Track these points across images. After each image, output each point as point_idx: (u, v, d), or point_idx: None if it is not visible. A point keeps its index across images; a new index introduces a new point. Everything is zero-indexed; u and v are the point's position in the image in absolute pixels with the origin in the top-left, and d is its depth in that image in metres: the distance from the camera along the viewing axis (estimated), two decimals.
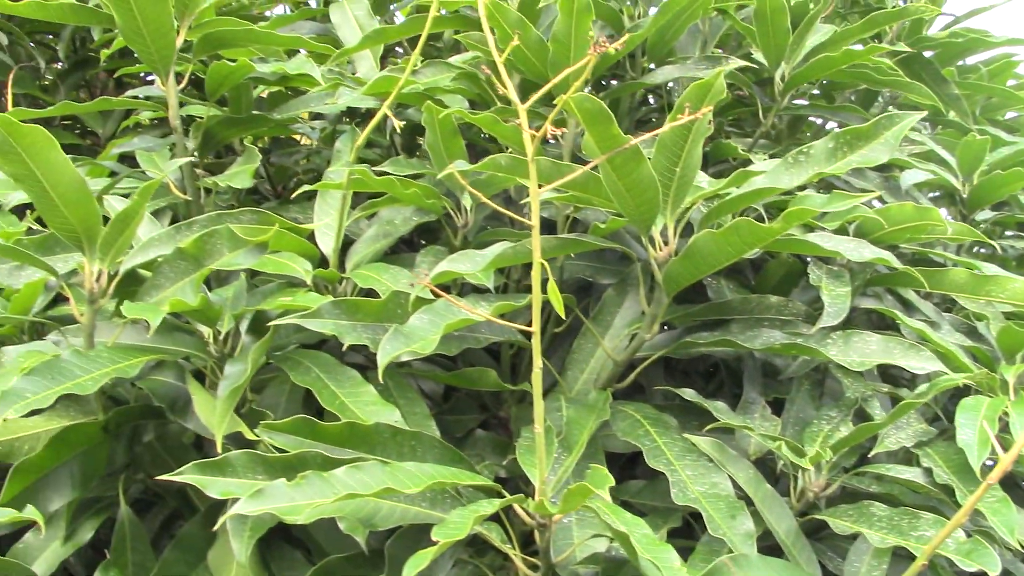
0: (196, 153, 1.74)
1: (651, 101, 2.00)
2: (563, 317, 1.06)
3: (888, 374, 1.59)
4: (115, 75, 2.43)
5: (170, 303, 1.20)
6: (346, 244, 1.53)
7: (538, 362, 1.03)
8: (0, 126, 1.12)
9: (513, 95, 0.98)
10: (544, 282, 1.02)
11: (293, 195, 1.56)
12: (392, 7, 2.25)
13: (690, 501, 1.20)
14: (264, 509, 1.00)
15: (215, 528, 1.11)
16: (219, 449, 1.16)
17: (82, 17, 1.64)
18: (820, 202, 1.20)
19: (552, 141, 1.05)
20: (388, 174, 1.45)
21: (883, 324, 1.61)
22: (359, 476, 1.03)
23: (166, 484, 1.51)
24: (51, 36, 2.59)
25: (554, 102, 1.02)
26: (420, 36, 1.67)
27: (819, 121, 2.03)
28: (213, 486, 1.08)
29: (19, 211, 1.86)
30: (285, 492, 1.00)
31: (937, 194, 1.98)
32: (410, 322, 1.18)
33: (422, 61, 1.74)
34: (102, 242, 1.28)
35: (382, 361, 1.14)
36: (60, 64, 2.59)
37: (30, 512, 1.10)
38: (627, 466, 1.55)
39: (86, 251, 1.29)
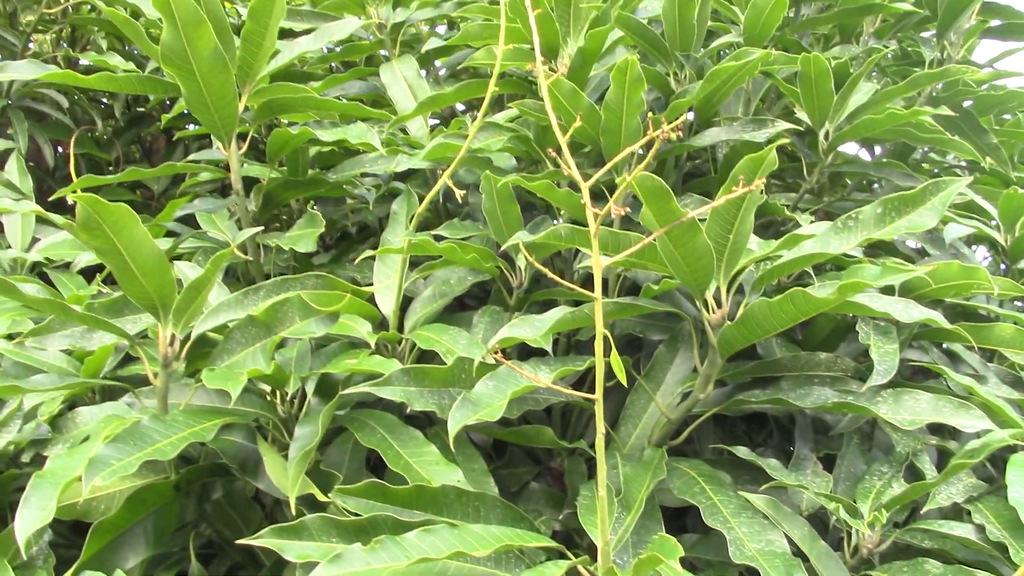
0: (255, 214, 1.81)
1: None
2: (624, 384, 1.10)
3: (935, 426, 1.61)
4: (174, 137, 2.50)
5: (248, 372, 1.25)
6: (403, 302, 1.58)
7: (601, 428, 1.08)
8: (88, 205, 1.18)
9: (576, 175, 1.03)
10: (607, 349, 1.06)
11: (356, 260, 1.61)
12: (436, 62, 2.32)
13: (747, 559, 1.23)
14: (342, 574, 1.04)
15: None
16: (293, 512, 1.21)
17: (149, 88, 1.71)
18: (874, 274, 1.24)
19: (613, 218, 1.10)
20: (444, 237, 1.51)
21: (927, 371, 1.64)
22: (430, 540, 1.08)
23: (229, 537, 1.57)
24: (107, 96, 2.68)
25: (617, 181, 1.07)
26: (470, 98, 1.75)
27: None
28: (290, 550, 1.13)
29: (86, 272, 1.94)
30: (361, 557, 1.05)
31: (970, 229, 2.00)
32: (476, 389, 1.23)
33: (471, 121, 1.81)
34: (176, 308, 1.34)
35: (453, 429, 1.19)
36: (115, 121, 2.68)
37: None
38: (675, 516, 1.59)
39: (160, 317, 1.35)
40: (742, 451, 1.39)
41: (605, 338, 1.06)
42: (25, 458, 1.52)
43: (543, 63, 1.10)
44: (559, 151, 1.05)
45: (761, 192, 1.19)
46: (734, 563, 1.30)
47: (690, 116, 1.73)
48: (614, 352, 1.07)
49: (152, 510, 1.38)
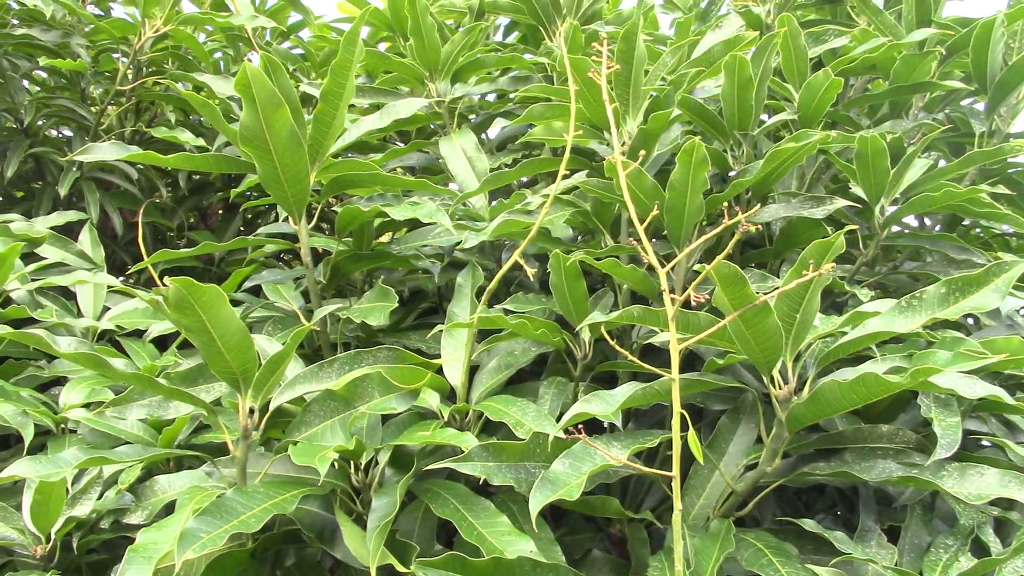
0: (323, 285, 1.87)
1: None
2: (701, 461, 1.13)
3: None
4: (242, 207, 2.58)
5: (335, 448, 1.30)
6: (469, 372, 1.63)
7: (678, 504, 1.11)
8: (182, 287, 1.24)
9: (655, 261, 1.08)
10: (683, 426, 1.10)
11: (429, 335, 1.66)
12: (486, 134, 2.39)
13: None
14: None
15: None
16: None
17: (224, 166, 1.78)
18: (945, 360, 1.27)
19: (695, 303, 1.15)
20: (510, 311, 1.56)
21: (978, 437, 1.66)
22: None
23: None
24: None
25: (695, 268, 1.11)
26: (529, 171, 1.81)
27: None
28: None
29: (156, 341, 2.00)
30: None
31: None
32: (554, 468, 1.27)
33: (532, 193, 1.86)
34: (256, 382, 1.39)
35: (535, 509, 1.23)
36: (178, 189, 2.77)
37: None
38: None
39: (241, 390, 1.40)
40: (809, 524, 1.41)
41: (682, 416, 1.10)
42: (104, 524, 1.58)
43: (616, 150, 1.15)
44: (637, 237, 1.10)
45: (829, 274, 1.23)
46: None
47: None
48: (691, 432, 1.11)
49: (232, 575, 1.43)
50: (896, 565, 1.38)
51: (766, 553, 1.37)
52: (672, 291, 1.23)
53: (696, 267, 1.14)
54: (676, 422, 1.10)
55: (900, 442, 1.47)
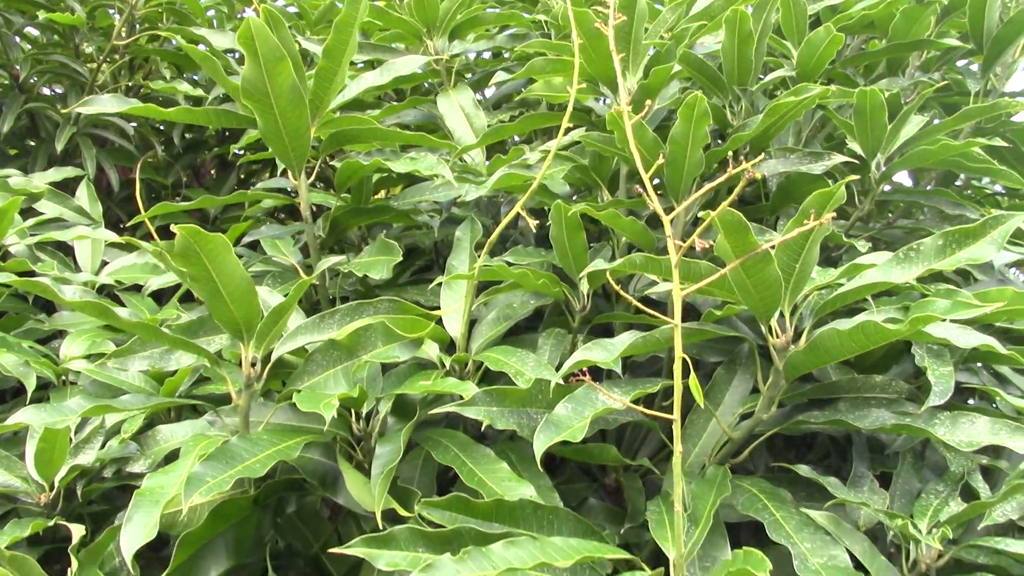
0: (322, 240, 1.88)
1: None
2: (702, 405, 1.15)
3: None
4: (238, 162, 2.58)
5: (339, 396, 1.31)
6: (468, 325, 1.64)
7: (678, 447, 1.13)
8: (188, 235, 1.25)
9: (659, 209, 1.09)
10: (685, 372, 1.12)
11: (431, 287, 1.67)
12: (486, 89, 2.40)
13: (811, 572, 1.27)
14: None
15: None
16: (380, 526, 1.27)
17: (225, 120, 1.78)
18: (943, 308, 1.29)
19: (699, 250, 1.16)
20: (511, 263, 1.57)
21: (972, 391, 1.68)
22: (515, 551, 1.14)
23: (302, 552, 1.63)
24: (166, 124, 2.77)
25: (700, 215, 1.13)
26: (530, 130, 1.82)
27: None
28: (380, 558, 1.19)
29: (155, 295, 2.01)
30: (451, 566, 1.11)
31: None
32: (557, 411, 1.29)
33: (530, 148, 1.87)
34: (259, 332, 1.40)
35: (539, 450, 1.25)
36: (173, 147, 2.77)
37: None
38: (730, 531, 1.64)
39: (244, 340, 1.41)
40: (803, 470, 1.44)
41: (684, 361, 1.12)
42: (107, 473, 1.59)
43: (623, 102, 1.16)
44: (642, 185, 1.11)
45: (828, 224, 1.25)
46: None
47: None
48: (692, 376, 1.13)
49: (233, 523, 1.45)
50: (887, 509, 1.40)
51: (761, 498, 1.40)
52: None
53: (700, 214, 1.15)
54: (678, 366, 1.12)
55: (893, 392, 1.50)
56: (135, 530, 1.20)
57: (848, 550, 1.32)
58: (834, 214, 1.14)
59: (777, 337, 1.36)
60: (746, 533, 1.62)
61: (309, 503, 1.62)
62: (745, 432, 1.47)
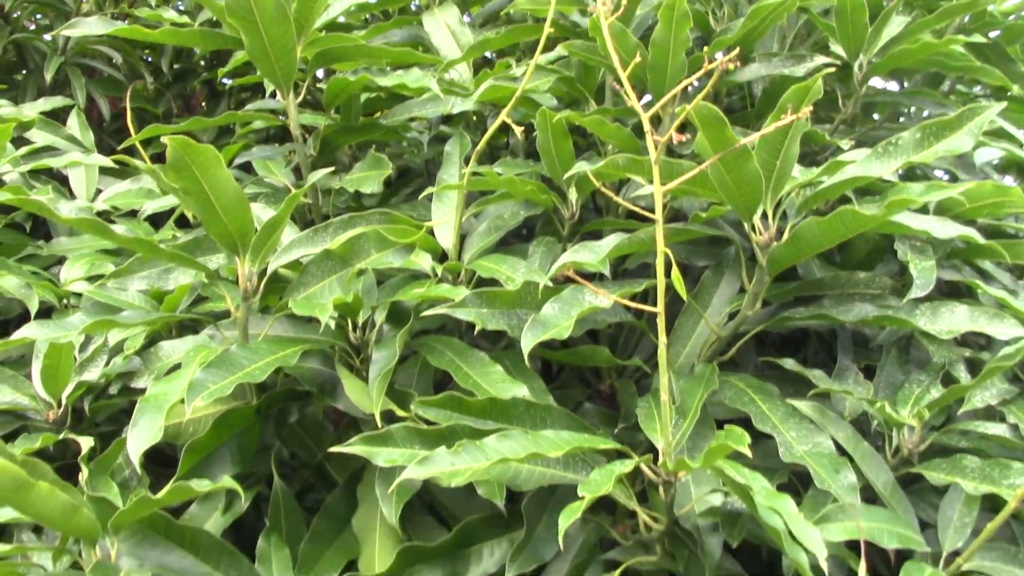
0: (314, 159, 1.90)
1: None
2: (684, 299, 1.19)
3: (966, 340, 1.70)
4: (229, 87, 2.58)
5: (334, 300, 1.35)
6: (460, 238, 1.67)
7: (663, 338, 1.17)
8: (178, 147, 1.28)
9: (638, 106, 1.11)
10: (668, 268, 1.15)
11: (420, 196, 1.70)
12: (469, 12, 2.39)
13: (796, 458, 1.32)
14: (430, 474, 1.15)
15: (391, 490, 1.25)
16: (379, 425, 1.31)
17: (211, 42, 1.79)
18: (919, 191, 1.32)
19: (674, 144, 1.18)
20: (500, 174, 1.59)
21: (958, 293, 1.72)
22: (508, 444, 1.18)
23: (303, 459, 1.68)
24: (153, 54, 2.77)
25: (677, 110, 1.15)
26: (514, 43, 1.82)
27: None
28: (378, 456, 1.23)
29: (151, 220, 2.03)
30: (446, 459, 1.15)
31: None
32: (544, 311, 1.33)
33: (516, 64, 1.88)
34: (253, 245, 1.43)
35: (526, 347, 1.29)
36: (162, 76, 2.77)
37: (226, 481, 1.25)
38: (719, 428, 1.68)
39: (240, 254, 1.44)
40: (789, 363, 1.48)
41: (666, 256, 1.15)
42: (113, 390, 1.63)
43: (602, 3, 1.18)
44: (620, 84, 1.13)
45: (806, 120, 1.27)
46: (782, 466, 1.40)
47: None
48: (674, 269, 1.16)
49: (236, 432, 1.49)
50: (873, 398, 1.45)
51: (748, 392, 1.45)
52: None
53: (677, 109, 1.18)
54: (660, 261, 1.15)
55: (877, 287, 1.53)
56: (141, 434, 1.24)
57: (832, 437, 1.37)
58: (811, 108, 1.16)
59: (760, 234, 1.39)
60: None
61: (311, 413, 1.66)
62: (732, 330, 1.51)
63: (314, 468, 1.67)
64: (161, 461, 1.69)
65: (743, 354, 1.64)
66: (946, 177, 1.93)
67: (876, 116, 2.18)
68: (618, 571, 1.33)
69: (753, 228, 1.39)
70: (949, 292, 1.75)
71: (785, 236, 1.36)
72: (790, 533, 1.14)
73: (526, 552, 1.35)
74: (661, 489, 1.26)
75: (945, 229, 1.35)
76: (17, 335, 1.44)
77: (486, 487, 1.36)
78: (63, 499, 1.15)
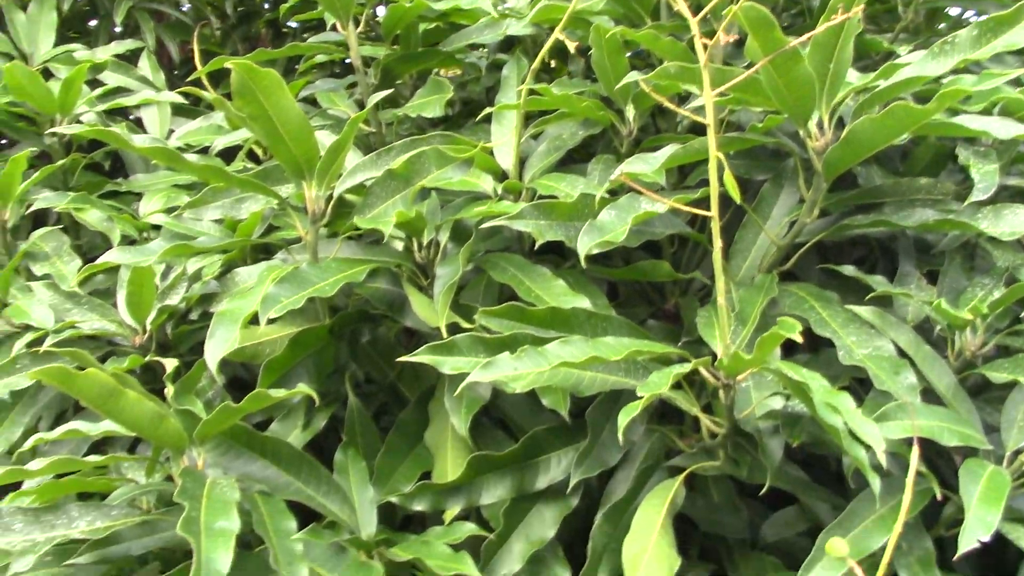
0: (375, 87, 1.93)
1: None
2: (738, 201, 1.20)
3: None
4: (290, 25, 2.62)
5: (396, 214, 1.39)
6: (520, 160, 1.70)
7: (718, 242, 1.19)
8: (243, 72, 1.32)
9: (686, 11, 1.12)
10: (721, 173, 1.16)
11: (479, 118, 1.73)
12: None
13: (855, 361, 1.34)
14: (493, 377, 1.20)
15: (459, 397, 1.30)
16: (444, 336, 1.36)
17: None
18: (971, 82, 1.30)
19: (724, 44, 1.18)
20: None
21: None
22: (568, 349, 1.21)
23: (378, 380, 1.74)
24: None
25: (723, 12, 1.16)
26: None
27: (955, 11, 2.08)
28: (444, 364, 1.28)
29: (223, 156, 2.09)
30: (509, 363, 1.20)
31: None
32: (600, 217, 1.36)
33: None
34: (319, 169, 1.48)
35: (582, 250, 1.32)
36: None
37: (301, 388, 1.31)
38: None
39: (306, 179, 1.49)
40: (848, 269, 1.49)
41: (719, 162, 1.17)
42: (193, 316, 1.71)
43: None
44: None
45: (859, 21, 1.26)
46: (843, 372, 1.42)
47: None
48: (727, 173, 1.17)
49: (311, 352, 1.55)
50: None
51: (808, 299, 1.46)
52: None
53: (724, 12, 1.18)
54: (712, 166, 1.17)
55: (939, 193, 1.52)
56: (217, 344, 1.31)
57: (893, 341, 1.38)
58: (863, 7, 1.15)
59: (816, 141, 1.39)
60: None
61: (382, 335, 1.72)
62: (791, 240, 1.52)
63: (387, 388, 1.73)
64: (239, 386, 1.76)
65: (803, 265, 1.64)
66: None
67: (942, 26, 2.14)
68: (682, 476, 1.37)
69: (808, 135, 1.39)
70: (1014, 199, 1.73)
71: (841, 138, 1.36)
72: (849, 431, 1.16)
73: (591, 458, 1.39)
74: (721, 393, 1.29)
75: (1007, 129, 1.34)
76: (101, 260, 1.52)
77: (550, 397, 1.40)
78: (151, 407, 1.22)
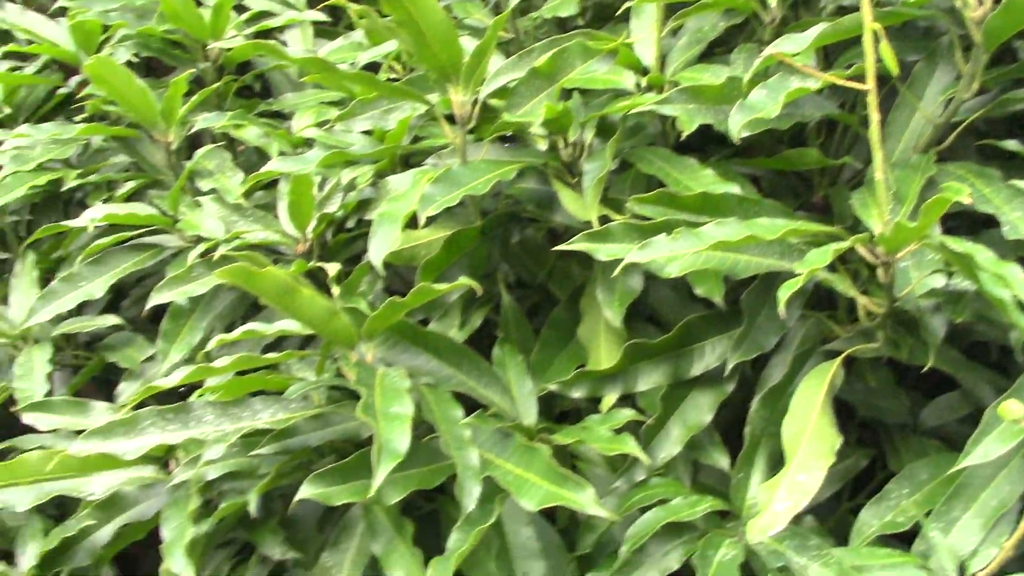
0: None
1: None
2: (895, 73, 1.17)
3: None
4: None
5: (545, 107, 1.42)
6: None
7: (875, 115, 1.17)
8: None
9: None
10: (876, 40, 1.14)
11: (617, 13, 1.72)
12: None
13: (1021, 235, 1.30)
14: (650, 258, 1.22)
15: (614, 275, 1.33)
16: (596, 227, 1.38)
17: None
18: None
19: None
20: None
21: None
22: (724, 229, 1.22)
23: (528, 281, 1.78)
24: None
25: None
26: None
27: None
28: (599, 251, 1.31)
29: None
30: (665, 245, 1.22)
31: None
32: (750, 96, 1.35)
33: None
34: (464, 73, 1.51)
35: (735, 129, 1.32)
36: None
37: (463, 280, 1.36)
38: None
39: (452, 83, 1.52)
40: (1011, 144, 1.44)
41: (874, 32, 1.15)
42: (349, 224, 1.78)
43: None
44: None
45: None
46: (1008, 252, 1.38)
47: None
48: (884, 43, 1.15)
49: (465, 252, 1.60)
50: None
51: (967, 177, 1.42)
52: None
53: None
54: (867, 37, 1.14)
55: None
56: (380, 242, 1.38)
57: None
58: None
59: (974, 11, 1.34)
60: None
61: (531, 236, 1.76)
62: (947, 118, 1.48)
63: (537, 288, 1.77)
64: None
65: (960, 145, 1.59)
66: None
67: None
68: (840, 358, 1.37)
69: (965, 4, 1.34)
70: None
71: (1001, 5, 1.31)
72: (1018, 303, 1.14)
73: (748, 341, 1.40)
74: (880, 271, 1.28)
75: None
76: (264, 169, 1.59)
77: (703, 286, 1.42)
78: (324, 303, 1.29)
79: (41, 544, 1.60)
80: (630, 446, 1.33)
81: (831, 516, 1.56)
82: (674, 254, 1.21)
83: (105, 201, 1.95)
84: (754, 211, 1.35)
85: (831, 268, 1.30)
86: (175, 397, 1.50)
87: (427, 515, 1.50)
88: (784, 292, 1.12)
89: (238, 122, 1.85)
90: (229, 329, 1.57)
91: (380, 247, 1.37)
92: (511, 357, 1.55)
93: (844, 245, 1.18)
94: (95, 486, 1.55)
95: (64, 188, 2.00)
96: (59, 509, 1.70)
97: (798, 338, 1.46)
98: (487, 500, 1.30)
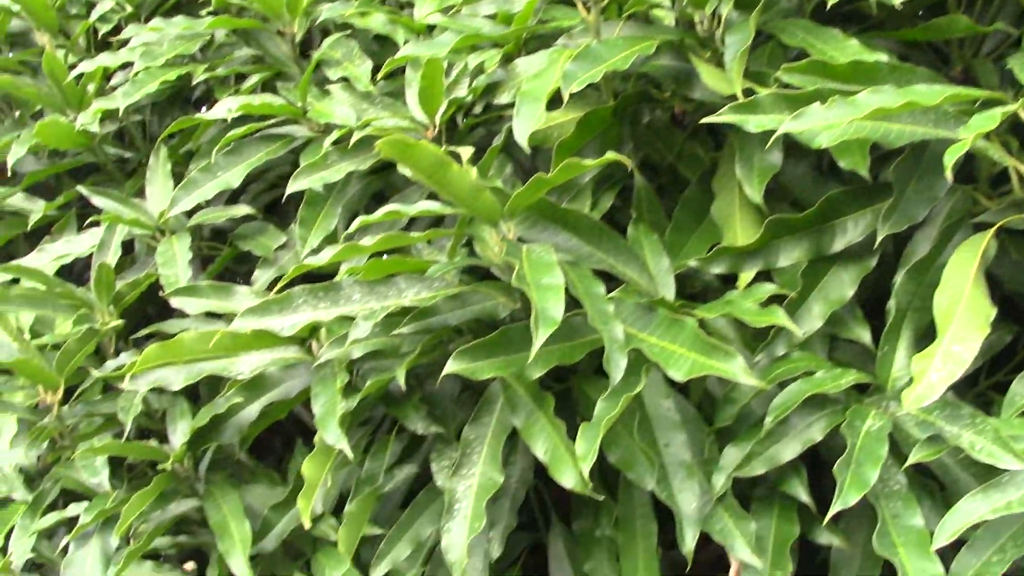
0: None
1: None
2: None
3: None
4: None
5: None
6: None
7: None
8: None
9: None
10: None
11: None
12: None
13: None
14: (805, 127, 1.20)
15: (764, 148, 1.31)
16: (741, 100, 1.36)
17: None
18: None
19: None
20: None
21: None
22: (879, 97, 1.20)
23: (657, 163, 1.76)
24: None
25: None
26: None
27: None
28: (748, 122, 1.29)
29: None
30: (820, 113, 1.20)
31: None
32: None
33: None
34: None
35: None
36: None
37: (609, 155, 1.36)
38: None
39: None
40: None
41: None
42: (477, 109, 1.78)
43: None
44: None
45: None
46: None
47: None
48: None
49: (597, 133, 1.59)
50: None
51: None
52: None
53: None
54: None
55: None
56: (524, 120, 1.39)
57: None
58: None
59: None
60: None
61: (660, 117, 1.74)
62: None
63: (666, 170, 1.76)
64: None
65: None
66: None
67: None
68: (992, 229, 1.34)
69: None
70: None
71: None
72: None
73: (897, 212, 1.37)
74: None
75: None
76: (400, 54, 1.60)
77: (848, 158, 1.39)
78: (472, 179, 1.31)
79: (191, 422, 1.68)
80: (780, 317, 1.33)
81: (969, 392, 1.54)
82: (829, 123, 1.18)
83: (232, 95, 1.98)
84: (906, 79, 1.31)
85: (986, 137, 1.26)
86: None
87: (558, 394, 1.52)
88: (950, 157, 1.10)
89: (364, 9, 1.85)
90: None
91: (525, 125, 1.38)
92: (646, 236, 1.54)
93: (1012, 108, 1.14)
94: (243, 366, 1.61)
95: (194, 83, 2.03)
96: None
97: (945, 210, 1.42)
98: (631, 372, 1.31)
